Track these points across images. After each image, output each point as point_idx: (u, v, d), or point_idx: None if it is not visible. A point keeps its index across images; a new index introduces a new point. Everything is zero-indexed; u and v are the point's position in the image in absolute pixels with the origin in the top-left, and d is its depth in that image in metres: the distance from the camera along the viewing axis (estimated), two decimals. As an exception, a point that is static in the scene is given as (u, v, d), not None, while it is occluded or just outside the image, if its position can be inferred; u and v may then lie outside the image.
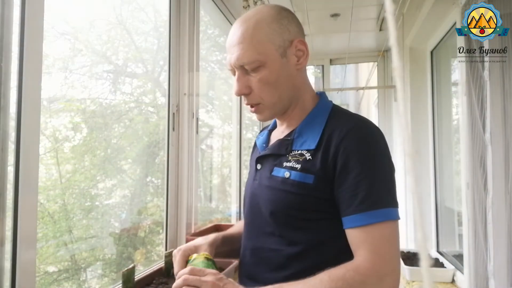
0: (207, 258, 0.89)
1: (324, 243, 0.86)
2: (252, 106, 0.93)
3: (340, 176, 0.83)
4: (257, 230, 0.94)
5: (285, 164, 0.90)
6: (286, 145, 0.93)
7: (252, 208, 0.97)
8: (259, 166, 0.98)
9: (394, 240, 0.81)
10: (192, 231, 1.79)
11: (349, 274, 0.76)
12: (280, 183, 0.89)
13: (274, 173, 0.91)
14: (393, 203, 0.83)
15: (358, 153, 0.83)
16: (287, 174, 0.88)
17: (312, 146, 0.88)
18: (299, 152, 0.89)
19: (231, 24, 2.91)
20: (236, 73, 0.91)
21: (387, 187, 0.83)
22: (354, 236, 0.81)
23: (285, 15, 0.91)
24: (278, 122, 1.03)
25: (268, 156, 0.96)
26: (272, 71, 0.88)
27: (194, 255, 0.92)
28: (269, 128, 1.08)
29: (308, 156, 0.87)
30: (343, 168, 0.83)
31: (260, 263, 0.91)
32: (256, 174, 0.98)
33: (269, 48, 0.88)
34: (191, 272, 0.80)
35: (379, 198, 0.81)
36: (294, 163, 0.88)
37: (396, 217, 0.82)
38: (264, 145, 1.02)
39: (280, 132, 1.00)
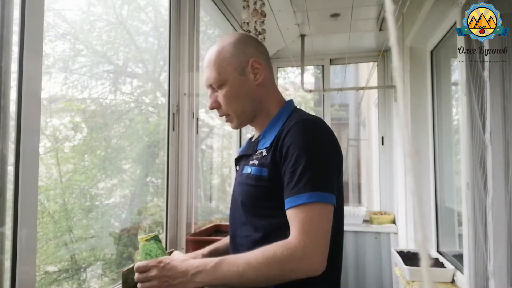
0: (145, 241, 0.98)
1: (282, 227, 0.95)
2: (225, 117, 1.11)
3: (283, 166, 0.96)
4: (236, 221, 1.09)
5: (250, 162, 1.06)
6: (253, 146, 1.10)
7: (233, 202, 1.13)
8: (237, 167, 1.16)
9: (320, 220, 0.90)
10: (192, 231, 1.79)
11: (279, 250, 0.87)
12: (245, 178, 1.04)
13: (244, 171, 1.07)
14: (323, 188, 0.91)
15: (295, 145, 0.95)
16: (249, 170, 1.04)
17: (268, 144, 1.03)
18: (260, 150, 1.05)
19: (231, 24, 2.90)
20: (208, 92, 1.10)
21: (317, 173, 0.92)
22: (288, 217, 0.93)
23: (242, 40, 1.09)
24: (254, 129, 1.19)
25: (242, 157, 1.14)
26: (232, 87, 1.06)
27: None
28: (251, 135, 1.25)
29: (264, 153, 1.03)
30: (285, 159, 0.96)
31: (237, 248, 1.06)
32: (237, 174, 1.15)
33: (228, 69, 1.06)
34: (137, 270, 0.94)
35: (308, 182, 0.91)
36: (255, 161, 1.04)
37: (324, 200, 0.90)
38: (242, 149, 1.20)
39: (254, 137, 1.17)
